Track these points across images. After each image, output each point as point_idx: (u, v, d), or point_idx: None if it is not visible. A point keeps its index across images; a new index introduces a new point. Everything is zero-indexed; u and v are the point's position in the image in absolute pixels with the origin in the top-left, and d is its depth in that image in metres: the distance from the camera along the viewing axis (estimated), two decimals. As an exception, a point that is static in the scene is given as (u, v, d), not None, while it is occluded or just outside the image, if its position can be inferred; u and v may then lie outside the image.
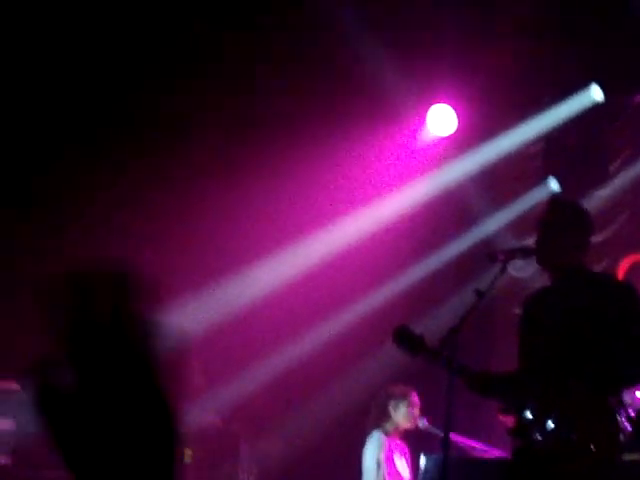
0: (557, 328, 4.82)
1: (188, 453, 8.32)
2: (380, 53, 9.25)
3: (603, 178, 10.05)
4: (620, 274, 9.26)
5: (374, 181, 9.61)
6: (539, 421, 4.73)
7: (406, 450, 7.49)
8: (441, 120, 9.91)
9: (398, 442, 7.46)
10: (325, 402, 8.93)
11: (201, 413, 8.56)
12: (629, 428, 4.80)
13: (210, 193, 8.90)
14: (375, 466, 7.25)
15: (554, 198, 5.24)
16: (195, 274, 8.79)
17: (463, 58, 9.70)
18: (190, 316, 8.57)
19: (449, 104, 9.89)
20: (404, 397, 7.39)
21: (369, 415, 7.51)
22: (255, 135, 9.09)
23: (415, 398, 7.42)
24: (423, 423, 7.32)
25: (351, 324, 9.09)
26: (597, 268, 8.14)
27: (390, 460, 7.29)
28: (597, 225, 9.76)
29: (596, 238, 9.81)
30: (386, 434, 7.38)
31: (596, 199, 9.99)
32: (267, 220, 9.20)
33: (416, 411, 7.39)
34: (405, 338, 4.94)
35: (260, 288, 8.96)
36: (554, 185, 10.01)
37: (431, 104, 9.89)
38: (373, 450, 7.31)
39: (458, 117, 9.90)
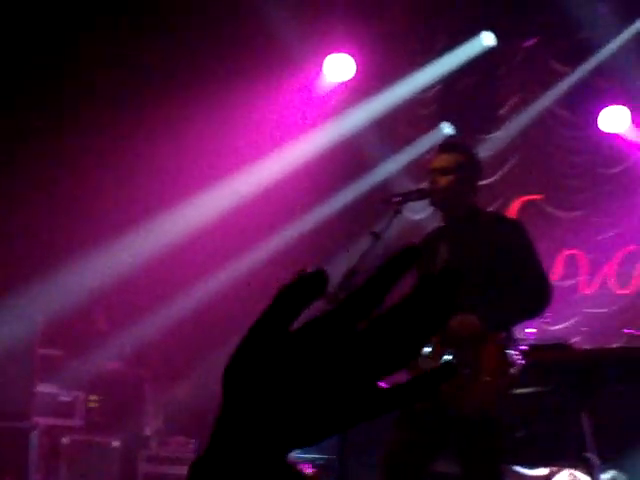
0: (449, 265, 4.96)
1: (93, 398, 8.38)
2: (278, 2, 9.29)
3: (495, 122, 10.28)
4: (512, 214, 9.53)
5: (274, 129, 9.68)
6: (435, 356, 4.89)
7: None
8: (338, 68, 10.02)
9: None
10: (233, 346, 9.02)
11: (106, 358, 8.62)
12: (519, 363, 4.94)
13: (123, 139, 8.87)
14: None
15: (445, 141, 5.34)
16: (102, 225, 8.79)
17: (359, 7, 9.80)
18: (97, 262, 8.60)
19: (346, 52, 10.00)
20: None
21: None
22: (160, 86, 9.08)
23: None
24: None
25: (254, 270, 9.18)
26: (490, 209, 8.37)
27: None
28: (490, 168, 10.11)
29: (488, 180, 10.11)
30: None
31: (488, 143, 10.23)
32: (177, 168, 9.22)
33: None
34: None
35: (167, 235, 9.00)
36: (448, 129, 10.21)
37: (328, 52, 9.99)
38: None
39: (355, 65, 10.02)
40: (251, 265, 9.24)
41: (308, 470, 7.15)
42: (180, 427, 8.32)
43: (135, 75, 9.13)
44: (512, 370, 4.84)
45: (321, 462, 7.00)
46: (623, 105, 9.55)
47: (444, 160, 5.01)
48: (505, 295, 4.84)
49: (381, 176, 10.09)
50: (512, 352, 4.87)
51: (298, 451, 7.11)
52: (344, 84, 10.13)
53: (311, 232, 9.60)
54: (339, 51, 9.98)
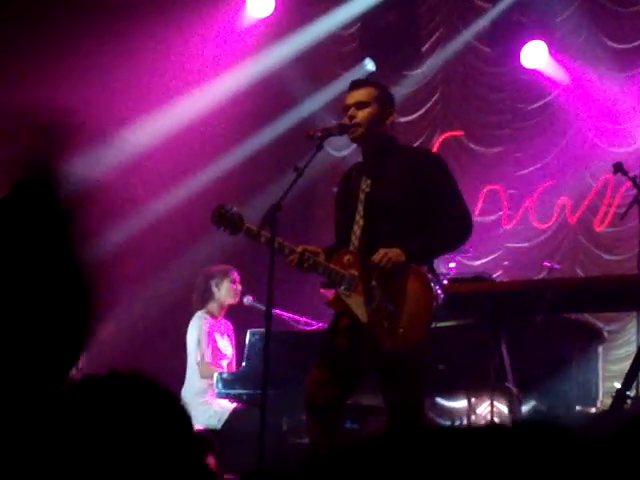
0: (369, 199, 5.00)
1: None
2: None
3: (417, 59, 10.30)
4: (434, 150, 9.58)
5: (196, 68, 9.59)
6: (355, 289, 4.94)
7: (230, 328, 7.62)
8: (260, 4, 9.95)
9: (222, 321, 7.58)
10: (153, 285, 9.00)
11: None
12: (441, 296, 5.01)
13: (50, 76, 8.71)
14: (196, 345, 7.38)
15: (357, 79, 5.35)
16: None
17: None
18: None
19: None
20: (225, 274, 7.49)
21: (193, 296, 7.59)
22: (78, 22, 8.92)
23: (236, 274, 7.53)
24: (247, 299, 7.47)
25: (177, 208, 9.14)
26: (413, 145, 8.40)
27: (212, 339, 7.42)
28: (412, 105, 10.15)
29: (411, 117, 10.16)
30: (211, 314, 7.49)
31: (411, 79, 10.26)
32: (96, 107, 9.09)
33: (238, 287, 7.51)
34: (224, 218, 5.00)
35: (95, 168, 8.90)
36: (370, 66, 10.22)
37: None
38: (194, 330, 7.42)
39: (276, 1, 9.96)
40: (175, 204, 9.19)
41: (233, 404, 7.19)
42: (103, 365, 8.29)
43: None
44: (434, 303, 4.91)
45: (245, 397, 7.05)
46: (542, 40, 9.62)
47: (358, 95, 5.06)
48: (426, 227, 4.89)
49: (305, 113, 10.08)
50: (434, 285, 4.94)
51: (221, 386, 7.15)
52: (265, 20, 10.06)
53: (235, 169, 9.58)
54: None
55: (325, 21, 10.09)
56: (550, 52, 9.65)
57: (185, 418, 1.75)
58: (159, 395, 1.73)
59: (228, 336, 7.58)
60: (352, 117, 5.02)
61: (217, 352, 7.44)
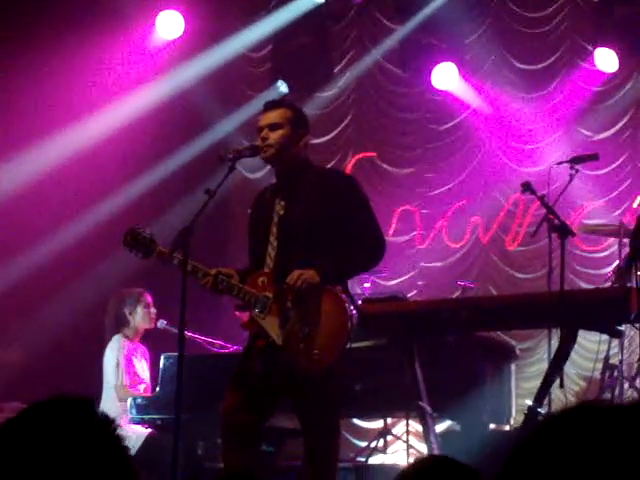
0: (283, 221, 5.00)
1: None
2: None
3: (329, 80, 10.34)
4: (347, 171, 9.62)
5: (105, 87, 9.51)
6: (270, 311, 4.93)
7: (146, 352, 7.56)
8: (169, 25, 9.92)
9: (138, 345, 7.52)
10: (63, 308, 8.87)
11: None
12: (355, 316, 5.02)
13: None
14: (114, 368, 7.31)
15: (270, 100, 5.35)
16: None
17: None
18: None
19: (177, 9, 9.90)
20: (138, 299, 7.43)
21: (106, 321, 7.51)
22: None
23: (149, 298, 7.47)
24: (161, 323, 7.41)
25: (88, 230, 9.03)
26: (327, 167, 8.42)
27: (130, 362, 7.36)
28: (325, 126, 10.19)
29: (324, 138, 10.20)
30: (126, 338, 7.43)
31: (323, 100, 10.30)
32: (5, 123, 8.96)
33: (152, 310, 7.45)
34: (135, 241, 4.96)
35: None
36: (283, 87, 10.23)
37: (159, 10, 9.87)
38: (111, 353, 7.35)
39: (186, 22, 9.93)
40: (86, 226, 9.08)
41: (147, 429, 7.11)
42: (14, 392, 8.14)
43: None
44: (349, 324, 4.92)
45: (160, 422, 6.98)
46: (452, 62, 9.73)
47: (271, 116, 5.07)
48: (340, 248, 4.90)
49: (218, 135, 10.05)
50: (349, 306, 4.95)
51: (135, 411, 7.06)
52: (175, 41, 10.01)
53: (147, 191, 9.49)
54: (170, 8, 9.87)
55: (236, 42, 10.09)
56: (460, 73, 9.77)
57: (120, 443, 1.73)
58: (93, 420, 1.70)
59: (145, 359, 7.52)
60: (265, 138, 5.02)
61: (135, 376, 7.37)
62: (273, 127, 5.03)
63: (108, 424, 1.73)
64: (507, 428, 7.11)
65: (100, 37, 9.20)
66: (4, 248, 8.74)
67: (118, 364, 7.30)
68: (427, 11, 9.60)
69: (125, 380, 7.30)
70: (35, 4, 9.08)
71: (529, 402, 6.09)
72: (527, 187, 6.32)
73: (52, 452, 1.64)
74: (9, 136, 8.94)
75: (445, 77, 9.78)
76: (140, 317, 7.41)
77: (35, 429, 1.67)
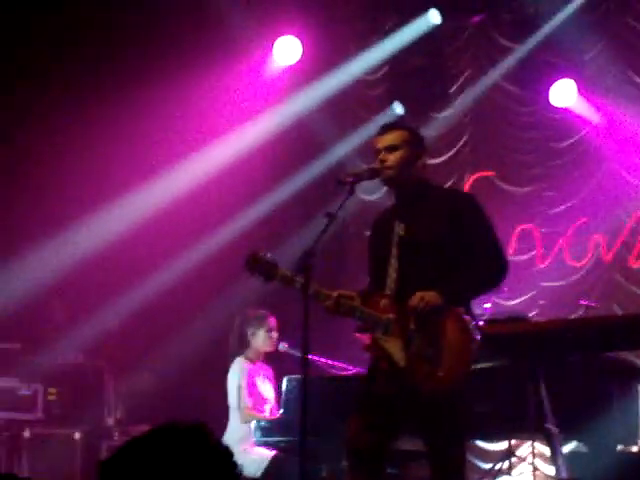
0: (404, 242, 4.98)
1: (53, 391, 8.33)
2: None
3: (445, 100, 10.31)
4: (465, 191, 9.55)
5: (225, 116, 9.66)
6: (393, 333, 4.91)
7: (270, 373, 7.62)
8: (287, 51, 10.02)
9: (261, 366, 7.57)
10: (189, 333, 9.02)
11: (63, 350, 8.56)
12: (477, 338, 4.97)
13: (62, 134, 8.82)
14: (237, 391, 7.37)
15: (386, 123, 5.34)
16: (55, 214, 8.72)
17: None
18: (51, 254, 8.53)
19: (294, 35, 10.00)
20: (261, 322, 7.48)
21: (230, 340, 7.59)
22: (105, 77, 9.02)
23: (272, 321, 7.51)
24: (283, 346, 7.45)
25: (210, 256, 9.17)
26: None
27: (252, 384, 7.42)
28: (442, 146, 10.15)
29: (441, 159, 10.16)
30: (248, 359, 7.49)
31: (439, 121, 10.27)
32: (123, 160, 9.17)
33: (274, 334, 7.48)
34: (257, 265, 4.98)
35: (121, 223, 8.95)
36: (399, 109, 10.24)
37: (276, 36, 9.98)
38: (234, 376, 7.42)
39: (303, 48, 10.02)
40: (207, 251, 9.22)
41: (271, 452, 7.15)
42: (141, 416, 8.28)
43: (90, 61, 9.06)
44: (473, 346, 4.87)
45: (284, 444, 7.01)
46: (571, 79, 9.62)
47: (388, 138, 5.05)
48: (462, 269, 4.86)
49: (334, 158, 10.11)
50: (472, 327, 4.90)
51: (259, 434, 7.11)
52: (293, 67, 10.12)
53: (266, 216, 9.59)
54: (287, 34, 9.98)
55: (352, 66, 10.14)
56: (579, 90, 9.65)
57: (234, 469, 1.75)
58: (207, 445, 1.73)
59: (269, 380, 7.57)
60: (383, 161, 5.01)
61: (259, 397, 7.42)
62: (391, 149, 5.02)
63: (220, 449, 1.75)
64: (635, 449, 6.95)
65: (218, 64, 9.35)
66: (132, 277, 8.92)
67: (240, 387, 7.36)
68: (545, 29, 9.53)
69: (248, 402, 7.35)
70: (153, 36, 9.27)
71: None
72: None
73: (164, 476, 1.67)
74: (133, 169, 9.13)
75: (564, 94, 9.68)
76: (261, 340, 7.47)
77: (151, 453, 1.70)
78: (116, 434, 8.42)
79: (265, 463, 7.08)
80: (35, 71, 8.94)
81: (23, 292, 8.43)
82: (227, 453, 1.78)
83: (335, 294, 4.93)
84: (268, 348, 7.50)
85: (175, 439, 1.75)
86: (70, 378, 8.49)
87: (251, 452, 7.21)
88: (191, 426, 1.78)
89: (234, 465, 1.76)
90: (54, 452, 8.11)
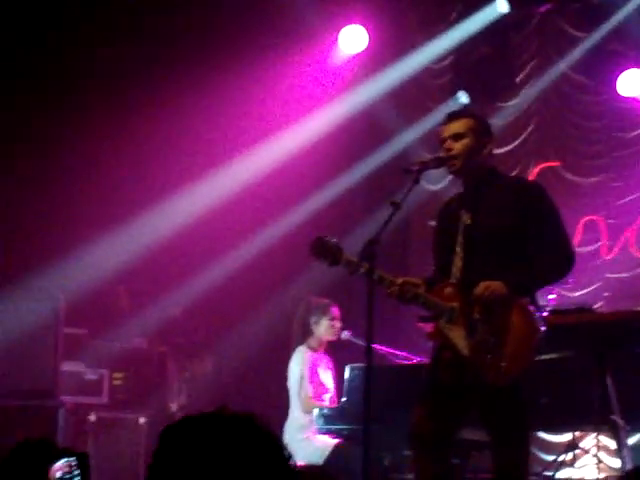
0: (470, 230, 4.96)
1: (118, 376, 8.43)
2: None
3: (511, 90, 10.24)
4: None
5: (289, 105, 9.69)
6: (457, 322, 4.90)
7: (331, 362, 7.62)
8: (353, 40, 10.03)
9: (323, 355, 7.58)
10: (253, 320, 9.07)
11: (128, 336, 8.66)
12: (543, 328, 4.94)
13: (127, 125, 8.90)
14: (299, 380, 7.39)
15: (452, 111, 5.32)
16: (122, 201, 8.82)
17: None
18: (118, 241, 8.64)
19: (360, 23, 10.00)
20: (324, 311, 7.48)
21: (294, 328, 7.62)
22: (171, 64, 9.08)
23: (335, 310, 7.50)
24: (346, 334, 7.45)
25: (275, 243, 9.21)
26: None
27: (314, 373, 7.43)
28: (507, 136, 10.09)
29: (506, 148, 10.09)
30: (310, 349, 7.51)
31: (505, 111, 10.20)
32: (193, 145, 9.24)
33: (337, 323, 7.48)
34: (323, 249, 4.98)
35: (186, 212, 9.03)
36: (464, 98, 10.18)
37: (343, 24, 9.99)
38: (296, 365, 7.44)
39: (369, 36, 10.01)
40: (271, 239, 9.26)
41: (334, 440, 7.17)
42: (204, 402, 8.35)
43: (144, 52, 9.12)
44: (537, 336, 4.85)
45: (346, 432, 7.03)
46: (638, 68, 9.50)
47: (455, 126, 5.03)
48: (529, 259, 4.84)
49: (399, 147, 10.09)
50: (537, 318, 4.88)
51: (322, 422, 7.13)
52: (358, 56, 10.12)
53: (331, 204, 9.61)
54: (353, 22, 9.98)
55: (418, 55, 10.11)
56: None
57: (284, 457, 1.74)
58: (257, 434, 1.73)
59: (330, 370, 7.58)
60: (449, 149, 5.00)
61: (320, 386, 7.44)
62: (457, 137, 5.00)
63: (270, 437, 1.75)
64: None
65: (285, 54, 9.38)
66: (197, 264, 8.99)
67: (302, 376, 7.38)
68: (614, 18, 9.42)
69: (309, 392, 7.37)
70: (217, 24, 9.31)
71: None
72: None
73: (210, 463, 1.67)
74: (195, 159, 9.20)
75: (631, 84, 9.56)
76: (324, 328, 7.47)
77: (192, 440, 1.71)
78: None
79: (328, 451, 7.10)
80: (97, 66, 9.03)
81: (90, 279, 8.54)
82: (278, 442, 1.78)
83: (400, 280, 4.93)
84: (331, 337, 7.51)
85: (226, 425, 1.76)
86: (135, 363, 8.59)
87: (313, 440, 7.23)
88: (239, 414, 1.78)
89: (287, 455, 1.76)
90: (119, 436, 8.21)
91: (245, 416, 1.76)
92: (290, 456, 1.79)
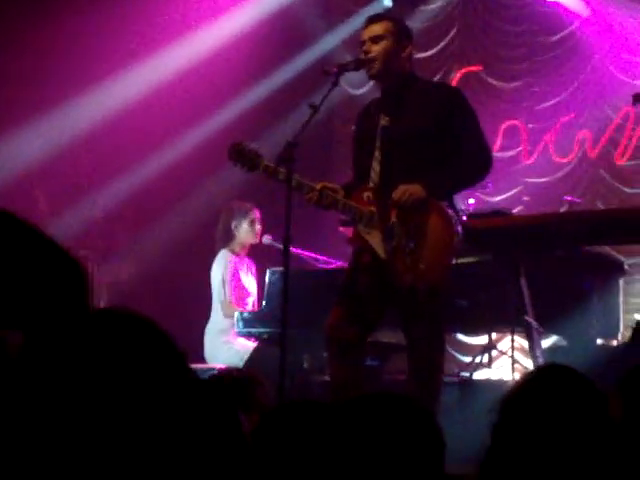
0: (388, 135, 4.96)
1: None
2: None
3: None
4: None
5: (202, 6, 9.49)
6: (376, 225, 4.92)
7: (253, 266, 7.64)
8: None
9: (245, 259, 7.60)
10: (172, 223, 9.00)
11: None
12: (460, 232, 4.98)
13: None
14: (220, 284, 7.41)
15: (372, 14, 5.29)
16: (42, 95, 8.56)
17: None
18: (32, 141, 8.44)
19: None
20: (245, 214, 7.47)
21: (216, 234, 7.61)
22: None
23: (257, 214, 7.51)
24: (267, 239, 7.45)
25: (195, 146, 9.10)
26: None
27: (236, 277, 7.45)
28: (429, 40, 10.04)
29: (428, 53, 10.06)
30: (233, 252, 7.51)
31: (427, 13, 10.14)
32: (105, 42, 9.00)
33: (258, 226, 7.50)
34: (241, 155, 4.96)
35: (103, 110, 8.82)
36: (387, 1, 10.10)
37: None
38: (218, 269, 7.45)
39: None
40: (193, 142, 9.15)
41: (254, 343, 7.21)
42: (124, 305, 8.31)
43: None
44: (455, 240, 4.89)
45: (266, 335, 7.08)
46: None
47: (374, 29, 5.01)
48: (446, 163, 4.86)
49: (321, 51, 10.00)
50: (454, 221, 4.92)
51: (242, 325, 7.17)
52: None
53: (251, 107, 9.51)
54: None
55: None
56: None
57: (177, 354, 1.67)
58: (150, 332, 1.67)
59: (252, 274, 7.60)
60: (367, 52, 4.97)
61: (242, 290, 7.46)
62: (375, 40, 4.98)
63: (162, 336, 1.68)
64: (615, 343, 7.04)
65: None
66: (117, 166, 8.85)
67: (224, 280, 7.40)
68: None
69: (230, 297, 7.39)
70: None
71: (638, 317, 6.01)
72: (638, 99, 6.16)
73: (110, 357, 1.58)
74: (114, 58, 8.98)
75: (554, -13, 9.55)
76: (245, 232, 7.47)
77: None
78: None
79: (247, 354, 7.15)
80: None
81: (4, 180, 8.34)
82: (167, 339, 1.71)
83: (319, 186, 4.92)
84: (252, 240, 7.51)
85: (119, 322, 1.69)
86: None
87: (234, 343, 7.28)
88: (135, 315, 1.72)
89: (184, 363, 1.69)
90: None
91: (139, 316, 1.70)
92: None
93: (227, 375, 4.23)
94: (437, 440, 1.78)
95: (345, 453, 1.71)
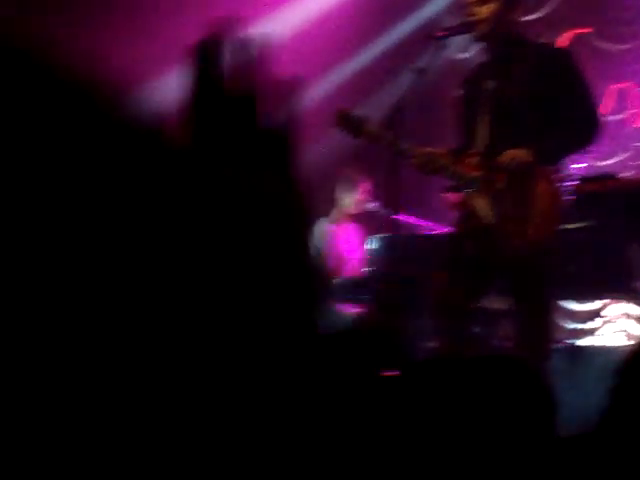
0: (495, 99, 4.89)
1: None
2: None
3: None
4: (560, 49, 9.32)
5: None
6: (482, 190, 4.87)
7: (356, 233, 7.63)
8: None
9: (348, 226, 7.59)
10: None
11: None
12: (569, 197, 4.92)
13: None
14: (317, 252, 7.40)
15: None
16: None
17: None
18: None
19: None
20: (351, 182, 7.47)
21: (318, 202, 7.61)
22: None
23: (363, 184, 7.48)
24: (372, 205, 7.43)
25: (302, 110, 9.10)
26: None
27: (336, 246, 7.43)
28: (537, 2, 9.87)
29: (536, 15, 9.89)
30: (335, 220, 7.50)
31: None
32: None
33: (363, 195, 7.47)
34: (347, 120, 4.96)
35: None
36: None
37: None
38: (315, 238, 7.45)
39: None
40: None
41: (353, 309, 7.22)
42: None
43: None
44: (562, 205, 4.83)
45: (367, 301, 7.07)
46: None
47: None
48: (554, 127, 4.77)
49: (426, 15, 9.91)
50: (562, 187, 4.85)
51: (344, 292, 7.17)
52: None
53: (358, 72, 9.49)
54: None
55: None
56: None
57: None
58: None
59: (355, 241, 7.58)
60: (475, 13, 4.89)
61: (339, 260, 7.46)
62: (482, 1, 4.90)
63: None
64: None
65: None
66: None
67: (319, 250, 7.38)
68: None
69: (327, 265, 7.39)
70: None
71: None
72: None
73: None
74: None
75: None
76: (350, 200, 7.46)
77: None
78: None
79: (349, 322, 7.15)
80: None
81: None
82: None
83: (424, 151, 4.89)
84: (356, 210, 7.49)
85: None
86: None
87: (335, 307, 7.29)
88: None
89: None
90: None
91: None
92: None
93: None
94: (549, 401, 1.77)
95: (460, 412, 1.72)
